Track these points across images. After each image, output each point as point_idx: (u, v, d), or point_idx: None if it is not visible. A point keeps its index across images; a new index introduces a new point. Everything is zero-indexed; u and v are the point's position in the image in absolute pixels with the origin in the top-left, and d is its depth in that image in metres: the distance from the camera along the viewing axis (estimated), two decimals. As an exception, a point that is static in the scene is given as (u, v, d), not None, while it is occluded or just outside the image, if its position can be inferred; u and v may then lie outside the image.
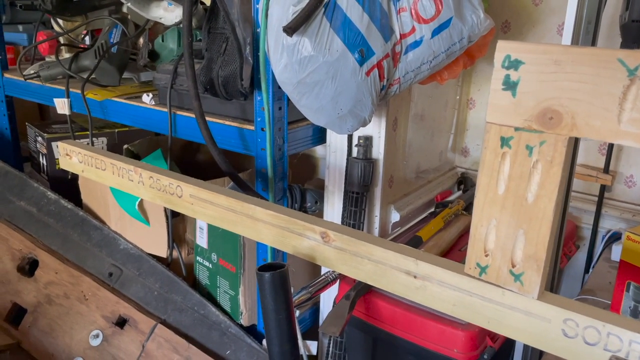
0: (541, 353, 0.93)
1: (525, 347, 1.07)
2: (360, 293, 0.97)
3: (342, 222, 1.18)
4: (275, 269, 0.70)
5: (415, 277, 0.67)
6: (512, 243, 0.58)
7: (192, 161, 1.67)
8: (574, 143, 0.99)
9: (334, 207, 1.24)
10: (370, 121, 0.98)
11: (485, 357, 0.87)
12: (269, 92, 1.03)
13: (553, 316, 0.57)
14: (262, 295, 0.71)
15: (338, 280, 1.03)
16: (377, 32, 0.88)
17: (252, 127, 1.09)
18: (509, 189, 0.57)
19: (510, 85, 0.54)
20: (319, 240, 0.74)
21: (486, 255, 0.61)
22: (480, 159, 0.58)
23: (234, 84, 1.03)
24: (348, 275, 0.71)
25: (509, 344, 1.00)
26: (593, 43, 0.91)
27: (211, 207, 0.85)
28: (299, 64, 0.88)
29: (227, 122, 1.13)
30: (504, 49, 0.53)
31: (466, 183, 1.51)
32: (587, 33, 0.85)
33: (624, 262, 0.88)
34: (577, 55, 0.50)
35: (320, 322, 1.34)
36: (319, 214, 1.28)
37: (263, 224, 0.79)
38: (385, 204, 1.22)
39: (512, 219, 0.58)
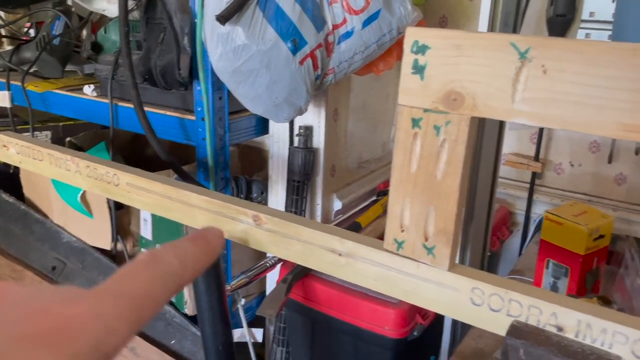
0: (469, 328, 0.98)
1: (454, 323, 1.12)
2: (298, 276, 1.00)
3: (286, 210, 1.20)
4: (206, 251, 0.72)
5: (340, 254, 0.70)
6: (425, 218, 0.62)
7: (141, 155, 1.66)
8: (481, 124, 1.05)
9: (277, 196, 1.26)
10: (306, 110, 1.01)
11: (415, 333, 0.91)
12: (207, 82, 1.04)
13: (462, 286, 0.61)
14: (193, 276, 0.72)
15: (279, 266, 1.06)
16: (309, 22, 0.90)
17: (192, 117, 1.10)
18: (420, 168, 0.60)
19: (418, 69, 0.57)
20: (251, 224, 0.76)
21: (402, 231, 0.64)
22: (395, 140, 0.61)
23: (172, 74, 1.04)
24: (279, 256, 0.74)
25: (439, 321, 1.05)
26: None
27: (147, 194, 0.86)
28: (233, 52, 0.90)
29: (168, 113, 1.14)
30: (412, 34, 0.56)
31: (409, 173, 1.55)
32: (506, 25, 0.90)
33: (544, 241, 0.93)
34: (475, 39, 0.54)
35: (267, 310, 1.36)
36: (265, 203, 1.30)
37: (198, 210, 0.81)
38: (327, 192, 1.25)
39: (423, 195, 0.61)
